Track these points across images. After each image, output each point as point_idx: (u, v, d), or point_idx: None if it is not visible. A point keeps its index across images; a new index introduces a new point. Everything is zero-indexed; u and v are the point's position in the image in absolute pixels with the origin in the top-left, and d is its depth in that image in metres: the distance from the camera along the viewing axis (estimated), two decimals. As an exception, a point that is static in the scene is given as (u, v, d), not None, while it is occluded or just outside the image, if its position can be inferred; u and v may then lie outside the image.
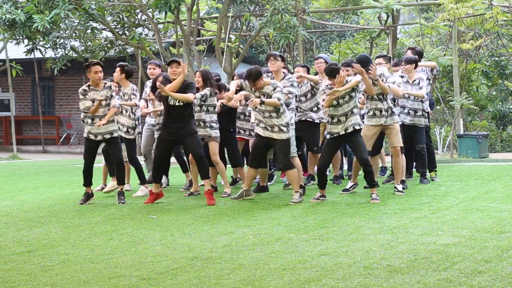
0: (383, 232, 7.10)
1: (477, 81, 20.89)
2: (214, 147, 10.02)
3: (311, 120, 10.55)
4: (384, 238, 6.80)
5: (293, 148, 9.67)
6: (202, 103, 9.87)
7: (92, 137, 9.55)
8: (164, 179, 11.46)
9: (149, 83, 11.28)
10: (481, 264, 5.74)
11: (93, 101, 9.47)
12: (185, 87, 9.28)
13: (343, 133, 9.12)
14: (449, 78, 18.66)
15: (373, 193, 9.18)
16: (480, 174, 11.99)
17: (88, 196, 9.70)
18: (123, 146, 10.32)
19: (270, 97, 9.16)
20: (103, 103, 9.48)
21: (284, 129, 9.23)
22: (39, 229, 7.88)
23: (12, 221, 8.45)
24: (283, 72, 10.00)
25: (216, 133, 10.05)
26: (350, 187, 9.96)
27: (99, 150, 9.86)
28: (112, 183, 10.41)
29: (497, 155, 16.81)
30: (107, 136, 9.55)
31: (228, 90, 10.07)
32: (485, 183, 10.78)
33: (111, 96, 9.53)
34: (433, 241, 6.60)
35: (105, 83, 9.57)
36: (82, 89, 9.56)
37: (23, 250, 6.75)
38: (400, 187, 9.83)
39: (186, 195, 10.20)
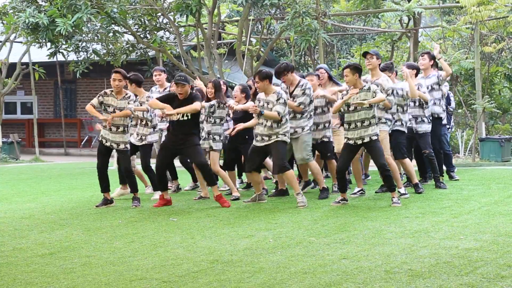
0: (405, 236, 7.06)
1: (500, 84, 20.73)
2: (214, 156, 10.18)
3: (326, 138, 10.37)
4: (405, 242, 6.77)
5: (308, 152, 9.69)
6: (210, 114, 9.96)
7: (102, 140, 9.65)
8: (192, 183, 11.52)
9: (155, 89, 11.34)
10: (503, 268, 5.69)
11: (108, 106, 9.54)
12: (192, 98, 9.31)
13: (360, 142, 9.08)
14: (471, 81, 18.53)
15: (394, 197, 9.13)
16: (502, 178, 11.89)
17: (106, 201, 9.75)
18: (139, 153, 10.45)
19: (273, 105, 9.18)
20: (116, 111, 9.52)
21: (281, 136, 9.25)
22: (61, 232, 7.93)
23: (34, 224, 8.52)
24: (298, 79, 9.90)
25: (217, 146, 10.20)
26: (358, 191, 9.95)
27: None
28: (120, 190, 10.47)
29: (520, 159, 16.64)
30: (114, 146, 9.61)
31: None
32: (508, 187, 10.69)
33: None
34: (455, 246, 6.56)
35: (126, 93, 9.60)
36: (104, 91, 9.67)
37: (45, 252, 6.80)
38: (402, 190, 9.74)
39: (196, 198, 10.24)
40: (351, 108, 9.07)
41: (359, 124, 9.05)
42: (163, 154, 9.52)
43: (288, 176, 9.35)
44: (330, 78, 10.82)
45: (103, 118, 9.52)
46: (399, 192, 9.69)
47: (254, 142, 9.47)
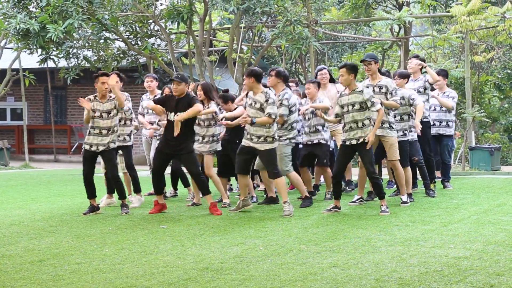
0: (394, 245, 7.07)
1: (489, 94, 20.86)
2: (208, 160, 10.16)
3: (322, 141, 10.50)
4: (395, 251, 6.78)
5: (287, 164, 9.62)
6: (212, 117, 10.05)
7: (87, 147, 9.58)
8: (171, 191, 11.49)
9: (145, 97, 11.33)
10: (493, 277, 5.70)
11: (94, 111, 9.48)
12: (188, 102, 9.30)
13: (355, 142, 9.08)
14: (461, 90, 18.62)
15: (382, 205, 9.13)
16: (492, 187, 11.93)
17: (93, 208, 9.69)
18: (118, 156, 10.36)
19: (261, 105, 9.13)
20: (104, 115, 9.48)
21: (269, 139, 9.18)
22: (50, 238, 7.90)
23: (23, 230, 8.48)
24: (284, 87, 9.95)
25: (218, 147, 10.25)
26: (357, 200, 9.94)
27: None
28: (106, 200, 10.37)
29: (509, 168, 16.74)
30: (101, 148, 9.51)
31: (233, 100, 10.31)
32: (497, 196, 10.73)
33: (117, 111, 9.52)
34: (444, 254, 6.57)
35: (110, 96, 9.55)
36: (88, 98, 9.58)
37: (35, 259, 6.77)
38: (404, 197, 9.79)
39: (189, 205, 10.23)
40: (344, 109, 9.10)
41: (353, 125, 9.06)
42: (160, 158, 9.49)
43: (278, 182, 9.31)
44: (332, 80, 10.90)
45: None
46: (401, 199, 9.76)
47: (243, 142, 9.36)
